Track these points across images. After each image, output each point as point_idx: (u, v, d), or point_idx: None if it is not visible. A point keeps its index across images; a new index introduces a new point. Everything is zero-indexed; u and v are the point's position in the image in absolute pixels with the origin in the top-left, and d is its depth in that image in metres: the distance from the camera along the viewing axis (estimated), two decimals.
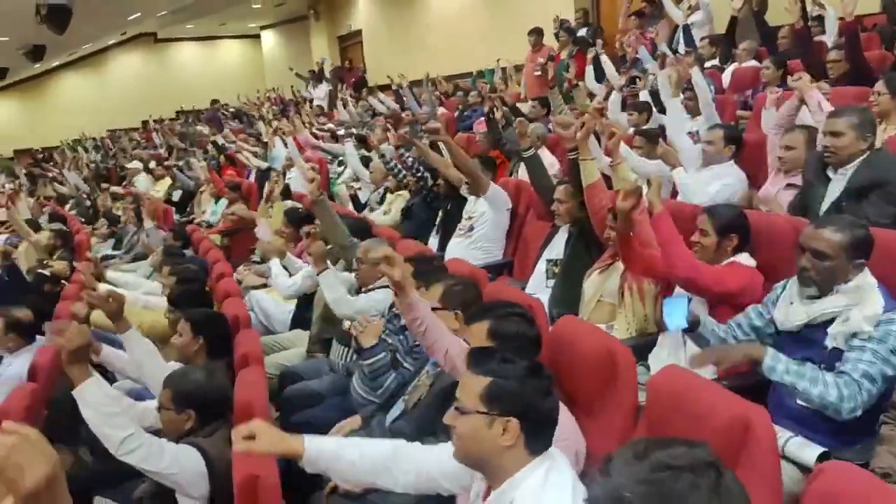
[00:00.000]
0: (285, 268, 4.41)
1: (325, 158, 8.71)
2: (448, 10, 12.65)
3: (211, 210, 8.21)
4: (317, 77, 15.40)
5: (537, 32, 8.92)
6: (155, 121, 15.95)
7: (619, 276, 3.01)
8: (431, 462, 1.70)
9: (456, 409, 1.52)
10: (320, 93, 14.72)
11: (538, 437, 1.50)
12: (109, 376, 3.42)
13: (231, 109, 17.81)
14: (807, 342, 2.08)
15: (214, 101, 15.62)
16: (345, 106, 12.18)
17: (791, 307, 2.10)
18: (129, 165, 12.32)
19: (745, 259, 2.69)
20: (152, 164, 12.46)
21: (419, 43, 13.14)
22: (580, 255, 3.32)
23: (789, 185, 3.31)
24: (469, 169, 4.23)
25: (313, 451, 1.68)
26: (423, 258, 3.11)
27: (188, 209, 9.08)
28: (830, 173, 2.99)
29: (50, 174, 13.93)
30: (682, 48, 7.40)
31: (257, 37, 20.49)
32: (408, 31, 13.51)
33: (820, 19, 6.39)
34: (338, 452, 1.73)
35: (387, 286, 3.38)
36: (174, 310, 3.37)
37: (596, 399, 1.95)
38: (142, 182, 11.27)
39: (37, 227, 7.98)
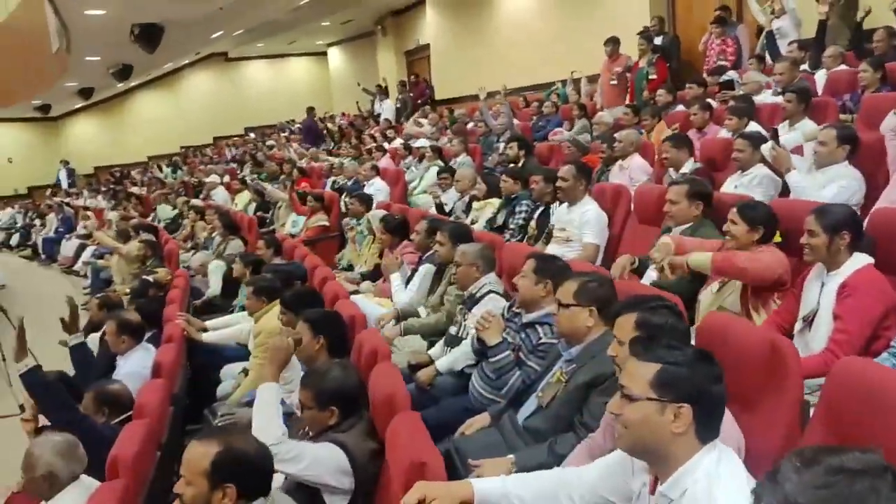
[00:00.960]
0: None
1: (402, 170, 8.85)
2: (517, 21, 12.68)
3: (292, 221, 8.38)
4: (383, 92, 15.68)
5: (613, 41, 8.86)
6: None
7: (737, 294, 2.97)
8: (596, 481, 1.69)
9: (623, 397, 1.51)
10: (387, 108, 14.98)
11: (709, 424, 1.48)
12: None
13: (298, 125, 18.26)
14: None
15: (311, 109, 15.93)
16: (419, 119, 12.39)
17: None
18: (206, 179, 12.68)
19: (861, 259, 2.60)
20: (226, 179, 12.90)
21: (488, 56, 13.19)
22: None
23: None
24: None
25: (483, 494, 1.70)
26: (545, 256, 3.11)
27: (267, 221, 9.27)
28: None
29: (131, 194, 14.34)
30: (767, 57, 7.30)
31: (324, 54, 20.93)
32: (476, 45, 13.58)
33: None
34: (504, 491, 1.74)
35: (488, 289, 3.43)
36: (287, 311, 3.45)
37: (754, 394, 1.91)
38: (220, 195, 11.60)
39: (126, 239, 8.27)
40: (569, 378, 2.43)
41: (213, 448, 1.86)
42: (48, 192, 17.60)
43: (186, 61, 19.07)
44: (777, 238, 3.04)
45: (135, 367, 3.92)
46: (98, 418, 3.04)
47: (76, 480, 2.52)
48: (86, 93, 15.44)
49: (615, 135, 5.55)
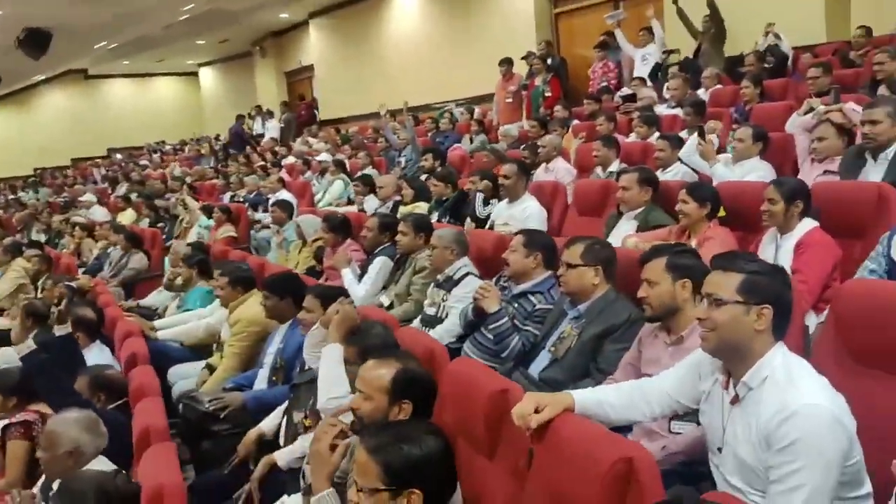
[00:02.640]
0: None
1: (309, 182, 8.90)
2: (404, 44, 13.06)
3: (196, 233, 8.17)
4: (264, 113, 15.50)
5: (508, 62, 9.42)
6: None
7: None
8: (669, 388, 1.94)
9: (711, 303, 1.78)
10: (272, 128, 14.84)
11: (782, 324, 1.77)
12: None
13: (168, 147, 17.64)
14: None
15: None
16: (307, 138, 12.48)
17: None
18: (82, 198, 12.05)
19: (809, 223, 3.07)
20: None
21: (374, 77, 13.46)
22: None
23: (826, 172, 3.77)
24: None
25: (581, 403, 1.89)
26: (532, 231, 3.37)
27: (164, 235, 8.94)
28: (869, 157, 3.46)
29: None
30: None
31: (195, 74, 20.34)
32: (362, 66, 13.82)
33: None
34: (597, 400, 1.94)
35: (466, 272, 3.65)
36: (271, 295, 3.49)
37: None
38: (97, 213, 11.09)
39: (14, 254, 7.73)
40: (580, 332, 2.69)
41: (392, 367, 2.04)
42: None
43: (42, 77, 17.88)
44: (721, 213, 3.47)
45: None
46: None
47: (99, 457, 2.46)
48: None
49: (538, 142, 5.97)
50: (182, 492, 1.97)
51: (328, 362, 2.52)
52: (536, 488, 1.78)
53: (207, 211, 8.28)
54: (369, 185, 7.22)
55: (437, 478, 1.57)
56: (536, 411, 1.78)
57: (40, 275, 7.21)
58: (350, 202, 7.88)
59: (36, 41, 7.22)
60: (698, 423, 2.18)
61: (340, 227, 5.12)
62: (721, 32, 7.77)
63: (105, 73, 19.89)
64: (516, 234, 3.29)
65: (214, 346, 4.41)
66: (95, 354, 3.82)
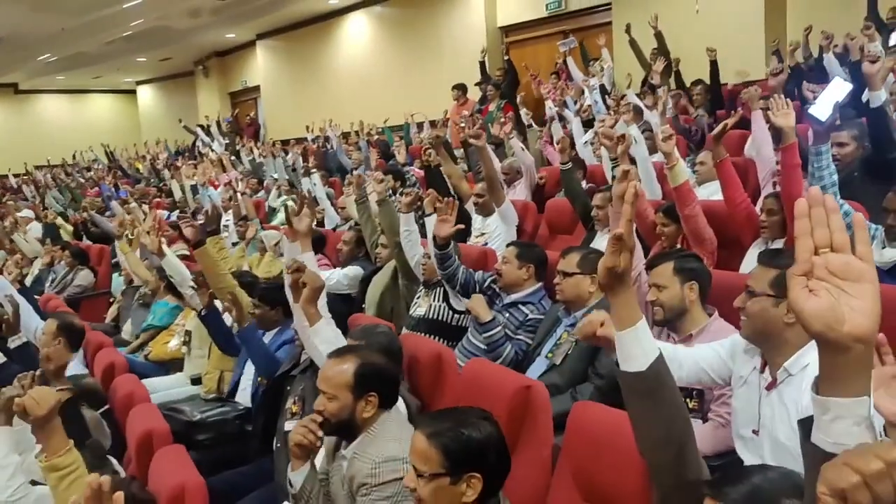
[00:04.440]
0: None
1: (262, 199, 8.83)
2: (353, 66, 13.12)
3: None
4: (206, 132, 15.26)
5: (461, 88, 9.59)
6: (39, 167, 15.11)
7: None
8: (701, 358, 2.04)
9: (747, 293, 1.89)
10: (218, 147, 14.62)
11: None
12: None
13: (100, 165, 17.12)
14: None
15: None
16: (245, 156, 12.36)
17: (884, 250, 2.69)
18: (20, 215, 11.55)
19: None
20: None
21: (322, 98, 13.45)
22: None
23: None
24: (493, 178, 4.60)
25: None
26: (524, 243, 3.46)
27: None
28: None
29: None
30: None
31: (133, 92, 19.87)
32: (310, 87, 13.80)
33: None
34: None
35: None
36: (261, 305, 3.48)
37: None
38: (36, 229, 10.66)
39: None
40: (577, 338, 2.77)
41: (352, 362, 2.01)
42: None
43: None
44: None
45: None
46: None
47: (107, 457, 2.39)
48: None
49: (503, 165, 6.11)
50: (204, 491, 1.93)
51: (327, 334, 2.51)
52: (568, 478, 1.83)
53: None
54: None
55: (495, 462, 1.58)
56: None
57: None
58: None
59: None
60: (703, 421, 2.28)
61: (311, 242, 5.12)
62: (668, 64, 8.14)
63: (37, 88, 19.21)
64: (508, 245, 3.37)
65: (185, 356, 4.34)
66: (74, 366, 3.68)
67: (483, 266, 3.84)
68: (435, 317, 3.58)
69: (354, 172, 5.86)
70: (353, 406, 1.98)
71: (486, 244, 4.77)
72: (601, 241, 4.05)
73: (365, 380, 1.99)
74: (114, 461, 2.36)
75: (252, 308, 3.50)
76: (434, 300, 3.60)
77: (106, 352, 3.49)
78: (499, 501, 1.60)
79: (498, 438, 1.61)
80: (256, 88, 15.43)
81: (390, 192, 5.97)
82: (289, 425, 2.71)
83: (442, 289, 3.62)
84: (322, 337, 2.51)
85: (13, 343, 3.16)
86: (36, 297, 6.21)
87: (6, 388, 2.18)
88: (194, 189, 9.46)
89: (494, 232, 4.77)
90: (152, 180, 13.51)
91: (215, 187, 9.56)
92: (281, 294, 3.53)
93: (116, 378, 3.03)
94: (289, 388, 2.93)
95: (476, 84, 9.72)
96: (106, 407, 2.88)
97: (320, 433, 1.96)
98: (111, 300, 7.07)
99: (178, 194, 11.50)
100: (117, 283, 7.10)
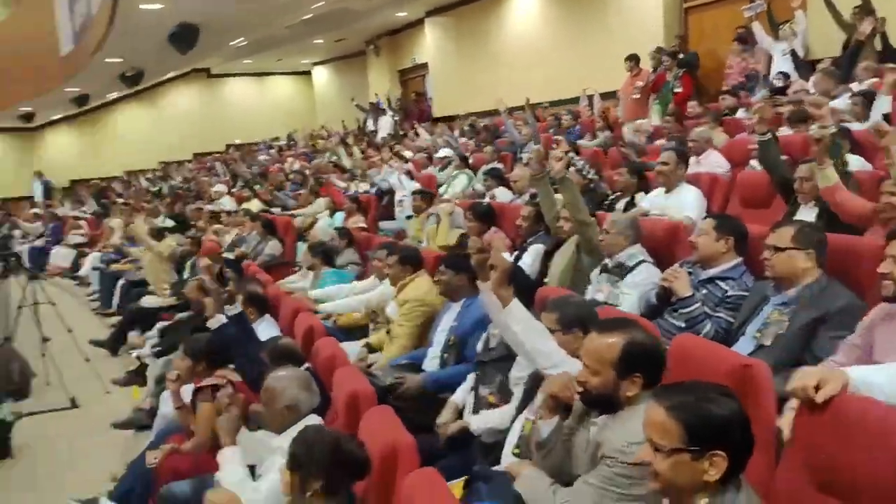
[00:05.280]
0: None
1: (434, 175, 9.02)
2: (522, 41, 13.03)
3: (327, 223, 8.41)
4: (376, 110, 15.84)
5: (634, 58, 9.23)
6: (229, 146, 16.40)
7: None
8: None
9: None
10: (385, 124, 15.15)
11: None
12: None
13: (281, 143, 18.27)
14: None
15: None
16: (416, 135, 12.68)
17: None
18: (214, 189, 12.66)
19: None
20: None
21: (489, 74, 13.50)
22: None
23: None
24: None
25: (853, 382, 1.79)
26: (722, 215, 3.28)
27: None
28: None
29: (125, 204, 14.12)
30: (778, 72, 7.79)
31: (308, 73, 20.99)
32: (477, 63, 13.88)
33: None
34: (867, 380, 1.82)
35: (640, 259, 3.56)
36: (446, 270, 3.54)
37: None
38: (226, 203, 11.60)
39: (159, 237, 8.17)
40: (790, 317, 2.57)
41: (620, 338, 1.94)
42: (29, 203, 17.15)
43: (172, 75, 18.87)
44: None
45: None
46: None
47: (311, 414, 2.55)
48: (81, 100, 15.10)
49: (690, 134, 5.81)
50: (415, 450, 1.99)
51: (529, 333, 2.44)
52: (803, 465, 1.70)
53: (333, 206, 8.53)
54: (498, 178, 7.27)
55: (739, 441, 1.49)
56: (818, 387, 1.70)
57: (188, 256, 7.60)
58: (477, 195, 7.92)
59: (186, 36, 7.60)
60: None
61: (486, 216, 5.16)
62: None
63: (226, 73, 20.80)
64: (706, 217, 3.19)
65: (371, 325, 4.52)
66: (265, 328, 3.97)
67: (673, 240, 3.67)
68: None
69: (533, 147, 5.75)
70: (616, 383, 1.94)
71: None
72: (806, 214, 3.74)
73: (631, 359, 1.93)
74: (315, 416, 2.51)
75: (438, 274, 3.56)
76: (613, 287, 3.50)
77: (303, 316, 3.69)
78: (740, 484, 1.51)
79: (742, 416, 1.51)
80: (424, 65, 15.75)
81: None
82: (489, 414, 2.76)
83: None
84: (516, 317, 2.47)
85: (230, 311, 3.43)
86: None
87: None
88: None
89: (681, 212, 4.50)
90: (327, 155, 14.27)
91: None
92: (465, 261, 3.59)
93: (317, 341, 3.19)
94: (479, 371, 2.96)
95: (651, 53, 9.31)
96: (307, 366, 3.06)
97: (577, 397, 1.96)
98: (295, 269, 7.53)
99: (347, 165, 12.07)
100: (302, 251, 7.56)
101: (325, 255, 5.39)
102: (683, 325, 2.96)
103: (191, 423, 3.47)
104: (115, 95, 17.95)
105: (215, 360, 3.45)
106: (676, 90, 8.60)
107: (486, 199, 7.34)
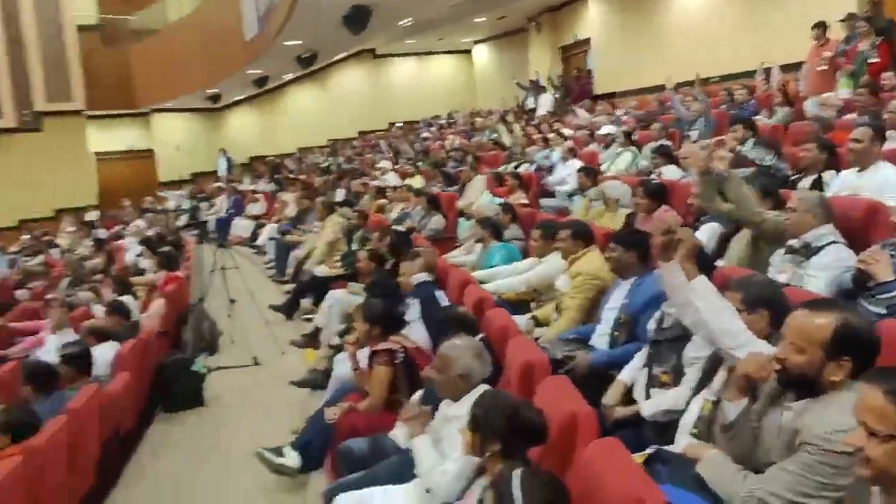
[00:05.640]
0: None
1: (596, 152, 8.87)
2: (690, 14, 12.44)
3: (488, 199, 8.51)
4: (535, 87, 15.73)
5: (822, 26, 8.52)
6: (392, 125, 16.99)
7: None
8: None
9: None
10: (544, 102, 15.03)
11: None
12: None
13: (441, 122, 18.63)
14: None
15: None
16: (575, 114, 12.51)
17: None
18: (378, 165, 13.19)
19: None
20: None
21: (656, 48, 13.00)
22: None
23: None
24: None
25: None
26: None
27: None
28: None
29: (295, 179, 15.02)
30: None
31: (468, 52, 21.21)
32: (643, 37, 13.41)
33: None
34: None
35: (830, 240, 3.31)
36: (617, 247, 3.49)
37: None
38: (390, 179, 12.04)
39: (329, 212, 8.65)
40: None
41: (832, 318, 1.85)
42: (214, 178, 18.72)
43: (340, 56, 19.75)
44: None
45: None
46: None
47: (482, 384, 2.62)
48: (260, 82, 16.19)
49: (887, 107, 5.32)
50: (595, 421, 2.00)
51: (714, 311, 2.35)
52: None
53: (498, 179, 8.59)
54: (667, 156, 7.01)
55: None
56: None
57: (357, 229, 7.99)
58: (642, 173, 7.70)
59: (358, 17, 7.93)
60: None
61: (657, 193, 5.01)
62: None
63: (390, 53, 21.47)
64: None
65: (533, 303, 4.55)
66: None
67: (871, 222, 3.39)
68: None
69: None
70: (821, 365, 1.84)
71: None
72: None
73: (844, 341, 1.82)
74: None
75: (609, 251, 3.51)
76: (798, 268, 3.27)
77: (471, 288, 3.78)
78: None
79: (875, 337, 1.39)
80: (587, 41, 15.42)
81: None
82: (663, 394, 2.71)
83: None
84: (701, 293, 2.40)
85: (421, 278, 3.58)
86: None
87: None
88: None
89: (877, 193, 4.12)
90: (486, 132, 14.39)
91: None
92: (637, 237, 3.51)
93: (487, 311, 3.26)
94: (652, 351, 2.90)
95: (842, 20, 8.54)
96: (481, 336, 3.14)
97: (773, 376, 1.91)
98: (457, 244, 7.68)
99: (507, 142, 12.12)
100: (463, 227, 7.70)
101: (494, 228, 5.45)
102: (884, 311, 2.73)
103: (366, 384, 3.67)
104: (289, 77, 19.09)
105: (390, 325, 3.62)
106: (871, 60, 7.85)
107: (654, 177, 7.15)
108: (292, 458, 3.97)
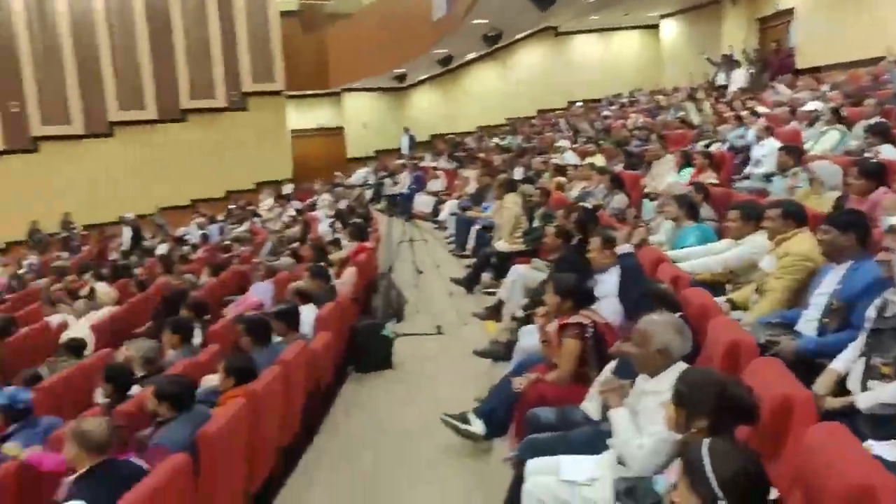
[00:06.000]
0: None
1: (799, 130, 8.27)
2: None
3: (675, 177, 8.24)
4: (728, 63, 14.83)
5: None
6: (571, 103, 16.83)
7: None
8: None
9: None
10: (738, 78, 14.16)
11: None
12: None
13: (623, 100, 18.09)
14: None
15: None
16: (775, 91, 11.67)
17: None
18: (557, 144, 13.13)
19: None
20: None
21: (868, 18, 11.82)
22: None
23: None
24: None
25: None
26: None
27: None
28: None
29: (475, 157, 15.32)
30: None
31: (655, 27, 20.42)
32: (854, 6, 12.22)
33: None
34: None
35: None
36: (830, 228, 3.26)
37: None
38: (569, 157, 11.96)
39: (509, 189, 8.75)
40: None
41: None
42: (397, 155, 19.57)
43: (522, 34, 19.76)
44: None
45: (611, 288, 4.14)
46: None
47: (680, 362, 2.58)
48: (445, 61, 16.62)
49: None
50: (812, 404, 1.91)
51: None
52: None
53: (686, 158, 8.26)
54: (882, 134, 6.41)
55: None
56: None
57: (538, 206, 8.02)
58: (852, 154, 7.08)
59: None
60: None
61: (875, 174, 4.60)
62: None
63: (572, 30, 21.16)
64: None
65: (728, 285, 4.36)
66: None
67: None
68: None
69: None
70: None
71: None
72: None
73: None
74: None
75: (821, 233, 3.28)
76: None
77: (665, 266, 3.70)
78: None
79: None
80: (789, 12, 14.30)
81: None
82: (873, 384, 2.55)
83: None
84: None
85: (622, 250, 3.59)
86: None
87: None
88: None
89: None
90: (671, 110, 13.83)
91: None
92: (854, 217, 3.27)
93: (683, 290, 3.18)
94: (871, 340, 2.69)
95: None
96: (680, 314, 3.07)
97: None
98: (640, 224, 7.48)
99: (696, 120, 11.59)
100: (647, 208, 7.50)
101: (690, 207, 5.24)
102: None
103: (554, 356, 3.72)
104: (472, 56, 19.39)
105: (581, 299, 3.63)
106: None
107: (870, 157, 6.56)
108: (477, 425, 4.11)
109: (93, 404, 4.46)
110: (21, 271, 13.90)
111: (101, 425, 2.96)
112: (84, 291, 8.54)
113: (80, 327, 7.17)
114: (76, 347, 6.00)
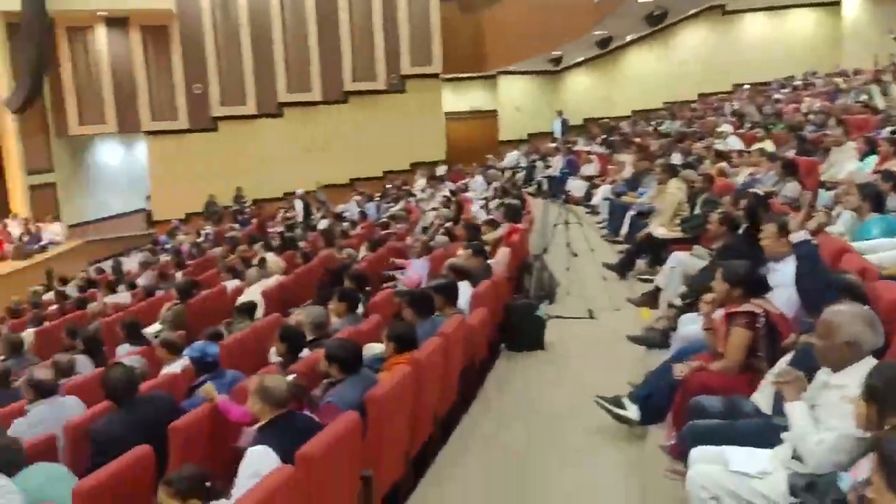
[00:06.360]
0: None
1: None
2: None
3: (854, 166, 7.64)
4: None
5: None
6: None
7: None
8: None
9: None
10: None
11: None
12: None
13: (796, 83, 16.88)
14: None
15: None
16: None
17: None
18: (718, 129, 12.59)
19: None
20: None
21: None
22: None
23: None
24: None
25: None
26: None
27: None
28: None
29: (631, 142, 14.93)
30: None
31: (836, 4, 18.86)
32: None
33: None
34: None
35: None
36: None
37: None
38: (733, 143, 11.42)
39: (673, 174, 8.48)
40: None
41: None
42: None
43: (688, 14, 18.92)
44: None
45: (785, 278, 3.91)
46: None
47: (869, 356, 2.42)
48: (603, 43, 16.27)
49: None
50: None
51: None
52: None
53: (870, 145, 7.63)
54: None
55: None
56: None
57: (701, 192, 7.71)
58: None
59: None
60: None
61: None
62: None
63: (741, 9, 20.00)
64: None
65: None
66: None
67: None
68: None
69: None
70: None
71: None
72: None
73: None
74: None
75: None
76: None
77: (851, 257, 3.50)
78: None
79: None
80: None
81: None
82: None
83: None
84: None
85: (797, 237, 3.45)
86: None
87: None
88: None
89: None
90: (852, 94, 12.80)
91: None
92: None
93: (871, 282, 2.97)
94: None
95: None
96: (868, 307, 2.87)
97: None
98: (813, 214, 7.02)
99: (881, 105, 10.65)
100: (823, 198, 7.01)
101: (875, 197, 4.86)
102: None
103: (718, 344, 3.59)
104: (631, 38, 18.80)
105: (753, 288, 3.48)
106: None
107: None
108: (632, 410, 4.05)
109: (267, 363, 4.82)
110: (199, 240, 15.26)
111: (281, 382, 3.22)
112: (255, 261, 9.20)
113: (251, 293, 7.75)
114: (248, 309, 6.49)
